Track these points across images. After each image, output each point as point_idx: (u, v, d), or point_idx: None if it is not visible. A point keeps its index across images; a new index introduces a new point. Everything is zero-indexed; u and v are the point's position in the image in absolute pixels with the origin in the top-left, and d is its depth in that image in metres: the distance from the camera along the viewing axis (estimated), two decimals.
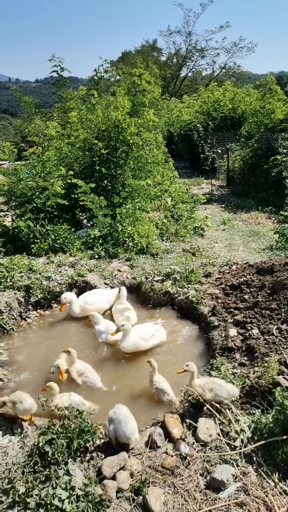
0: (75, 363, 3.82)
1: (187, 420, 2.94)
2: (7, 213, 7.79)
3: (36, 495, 2.28)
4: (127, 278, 5.83)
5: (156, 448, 2.75)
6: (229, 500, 2.32)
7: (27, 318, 5.00)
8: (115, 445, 2.70)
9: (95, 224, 6.94)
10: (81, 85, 10.34)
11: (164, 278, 5.62)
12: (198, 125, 15.77)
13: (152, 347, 4.30)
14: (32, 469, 2.46)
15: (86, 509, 2.25)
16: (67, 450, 2.58)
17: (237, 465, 2.54)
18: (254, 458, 2.59)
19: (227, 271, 5.71)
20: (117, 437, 2.68)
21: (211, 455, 2.63)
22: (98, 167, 7.48)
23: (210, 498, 2.36)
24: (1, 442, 2.82)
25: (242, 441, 2.69)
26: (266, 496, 2.33)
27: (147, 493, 2.36)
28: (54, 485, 2.34)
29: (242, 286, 5.01)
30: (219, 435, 2.78)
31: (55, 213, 7.02)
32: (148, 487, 2.42)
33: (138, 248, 6.63)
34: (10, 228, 6.72)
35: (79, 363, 3.84)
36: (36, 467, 2.47)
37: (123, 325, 4.16)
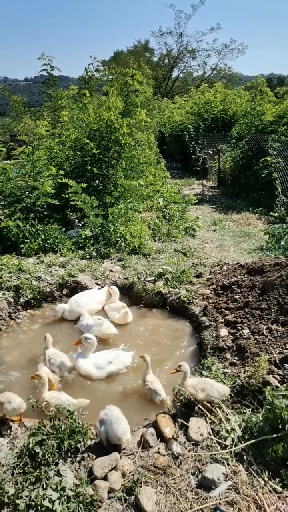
0: (49, 348, 3.95)
1: (179, 420, 2.94)
2: None
3: (26, 496, 2.26)
4: (119, 278, 5.82)
5: (149, 448, 2.75)
6: (220, 499, 2.33)
7: (16, 318, 4.95)
8: (107, 446, 2.69)
9: (87, 224, 6.91)
10: (72, 84, 10.28)
11: (156, 278, 5.63)
12: (189, 126, 15.84)
13: (111, 375, 3.86)
14: (22, 470, 2.44)
15: (77, 509, 2.24)
16: (57, 451, 2.56)
17: (228, 464, 2.55)
18: (245, 457, 2.61)
19: (218, 272, 5.75)
20: (108, 438, 2.67)
21: (202, 454, 2.64)
22: (89, 167, 7.45)
23: (201, 497, 2.37)
24: None
25: (232, 440, 2.71)
26: (256, 494, 2.35)
27: (139, 493, 2.36)
28: (44, 486, 2.32)
29: (233, 286, 5.05)
30: (210, 434, 2.80)
31: (45, 212, 6.97)
32: (140, 487, 2.41)
33: (130, 248, 6.63)
34: None
35: (51, 349, 3.95)
36: (26, 468, 2.44)
37: (88, 338, 3.86)
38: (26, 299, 5.11)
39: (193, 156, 14.54)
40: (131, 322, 4.87)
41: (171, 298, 5.20)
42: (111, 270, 5.98)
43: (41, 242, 6.44)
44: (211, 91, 18.39)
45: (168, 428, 2.85)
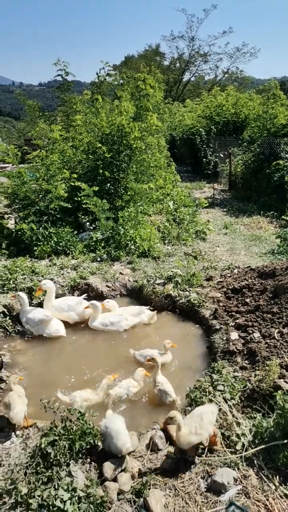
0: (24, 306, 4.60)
1: None
2: (10, 215, 7.84)
3: (38, 496, 2.29)
4: (129, 281, 5.85)
5: (157, 450, 2.76)
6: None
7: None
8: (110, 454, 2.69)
9: (98, 227, 6.98)
10: (85, 89, 10.40)
11: (166, 281, 5.65)
12: (200, 129, 15.84)
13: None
14: (34, 470, 2.48)
15: (88, 510, 2.26)
16: (69, 451, 2.59)
17: (238, 469, 2.55)
18: (255, 462, 2.59)
19: (229, 275, 5.73)
20: (110, 450, 2.66)
21: (212, 458, 2.64)
22: (101, 171, 7.53)
23: (211, 501, 2.37)
24: (4, 443, 2.84)
25: (243, 444, 2.69)
26: (267, 499, 2.34)
27: (148, 495, 2.37)
28: (56, 486, 2.35)
29: (244, 289, 5.03)
30: (220, 439, 2.79)
31: (58, 216, 7.06)
32: (149, 489, 2.43)
33: (140, 251, 6.66)
34: (13, 230, 6.77)
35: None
36: (38, 468, 2.48)
37: (92, 303, 4.71)
38: (39, 301, 5.17)
39: (204, 159, 14.53)
40: (139, 325, 4.90)
41: (180, 301, 5.21)
42: (121, 273, 6.02)
43: (53, 245, 6.53)
44: (223, 95, 18.38)
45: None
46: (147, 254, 6.65)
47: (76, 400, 3.37)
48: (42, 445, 2.56)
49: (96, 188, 7.04)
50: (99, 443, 2.76)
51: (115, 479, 2.50)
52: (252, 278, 5.30)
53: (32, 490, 2.32)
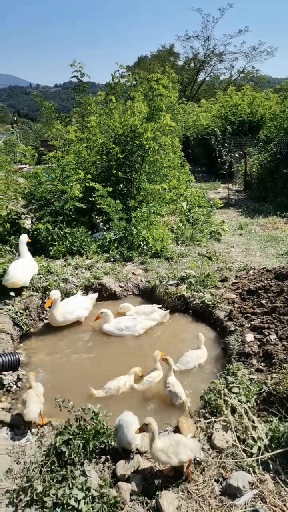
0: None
1: (203, 426, 2.92)
2: (27, 215, 7.94)
3: (53, 494, 2.31)
4: (141, 281, 5.85)
5: None
6: (246, 508, 2.29)
7: (44, 319, 5.07)
8: (122, 452, 2.70)
9: (111, 228, 7.01)
10: (99, 90, 10.46)
11: (179, 282, 5.62)
12: (216, 129, 15.70)
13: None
14: (49, 469, 2.50)
15: (101, 510, 2.27)
16: (83, 451, 2.60)
17: (254, 472, 2.50)
18: (272, 466, 2.55)
19: (244, 276, 5.66)
20: (121, 442, 2.67)
21: (227, 461, 2.60)
22: (115, 171, 7.55)
23: (225, 504, 2.33)
24: (20, 441, 2.87)
25: (259, 448, 2.65)
26: (284, 504, 2.29)
27: (160, 497, 2.36)
28: (70, 485, 2.37)
29: (260, 291, 4.96)
30: (235, 442, 2.75)
31: (73, 216, 7.12)
32: (161, 491, 2.41)
33: (153, 251, 6.65)
34: (30, 230, 6.85)
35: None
36: (53, 467, 2.50)
37: (102, 312, 4.75)
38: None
39: (219, 159, 14.38)
40: (152, 326, 4.88)
41: (194, 302, 5.17)
42: (133, 273, 6.02)
43: (68, 245, 6.58)
44: (238, 94, 18.18)
45: (190, 433, 2.82)
46: (159, 254, 6.64)
47: (111, 390, 3.57)
48: (57, 444, 2.58)
49: (110, 189, 7.07)
50: (113, 443, 2.76)
51: (127, 480, 2.50)
52: (268, 279, 5.21)
53: (47, 489, 2.34)
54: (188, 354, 4.02)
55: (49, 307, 4.72)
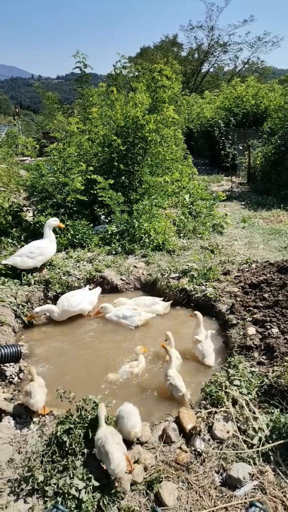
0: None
1: (203, 416, 2.92)
2: (29, 208, 7.93)
3: (54, 484, 2.33)
4: (143, 274, 5.84)
5: (170, 443, 2.75)
6: (246, 498, 2.30)
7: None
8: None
9: (113, 220, 6.98)
10: (101, 81, 10.35)
11: (181, 275, 5.60)
12: (219, 121, 15.56)
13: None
14: (50, 459, 2.51)
15: (102, 500, 2.28)
16: (84, 440, 2.62)
17: (255, 464, 2.51)
18: (272, 457, 2.55)
19: (247, 269, 5.63)
20: (121, 431, 2.67)
21: (228, 452, 2.61)
22: (116, 163, 7.49)
23: (225, 495, 2.34)
24: (22, 430, 2.90)
25: (260, 439, 2.65)
26: (284, 496, 2.30)
27: (161, 487, 2.37)
28: (71, 475, 2.38)
29: (262, 284, 4.93)
30: (236, 432, 2.76)
31: (75, 208, 7.09)
32: (161, 481, 2.42)
33: (154, 244, 6.62)
34: (32, 223, 6.84)
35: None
36: (54, 456, 2.52)
37: (102, 307, 4.84)
38: (55, 293, 5.22)
39: (222, 152, 14.25)
40: (153, 318, 4.90)
41: (196, 295, 5.15)
42: (135, 266, 6.01)
43: (70, 237, 6.57)
44: (242, 86, 17.95)
45: (191, 424, 2.83)
46: (161, 247, 6.61)
47: (127, 373, 3.70)
48: (58, 433, 2.60)
49: (112, 181, 7.03)
50: None
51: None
52: (271, 272, 5.19)
53: (48, 478, 2.36)
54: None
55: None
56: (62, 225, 5.93)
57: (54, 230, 6.55)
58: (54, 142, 7.69)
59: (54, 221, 5.56)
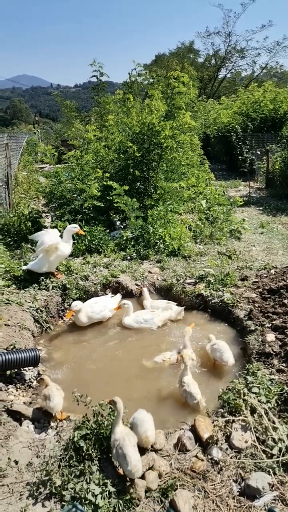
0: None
1: (221, 425, 2.87)
2: (48, 214, 8.08)
3: (71, 488, 2.35)
4: (157, 279, 5.83)
5: (186, 451, 2.71)
6: (265, 509, 2.24)
7: (64, 317, 5.14)
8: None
9: (128, 226, 7.02)
10: (117, 89, 10.51)
11: (197, 280, 5.56)
12: (236, 126, 15.46)
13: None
14: (67, 463, 2.53)
15: (118, 506, 2.28)
16: (100, 446, 2.62)
17: (274, 474, 2.45)
18: None
19: (265, 275, 5.54)
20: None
21: (246, 462, 2.56)
22: (132, 170, 7.55)
23: (244, 505, 2.29)
24: (40, 435, 2.93)
25: (280, 449, 2.59)
26: None
27: (176, 495, 2.34)
28: (88, 480, 2.39)
29: (282, 290, 4.84)
30: (254, 442, 2.70)
31: (91, 214, 7.18)
32: (176, 489, 2.39)
33: (169, 250, 6.61)
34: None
35: None
36: (71, 461, 2.53)
37: (124, 304, 4.87)
38: (73, 299, 5.28)
39: (240, 157, 14.14)
40: (169, 323, 4.91)
41: (213, 301, 5.10)
42: (149, 272, 6.01)
43: (87, 243, 6.65)
44: (260, 91, 17.82)
45: (208, 433, 2.78)
46: (176, 253, 6.59)
47: (159, 363, 3.92)
48: (75, 438, 2.61)
49: (127, 187, 7.08)
50: None
51: (142, 476, 2.49)
52: None
53: (66, 483, 2.38)
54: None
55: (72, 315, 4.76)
56: (82, 232, 5.98)
57: (72, 237, 6.66)
58: (72, 149, 7.83)
59: (73, 228, 5.59)
